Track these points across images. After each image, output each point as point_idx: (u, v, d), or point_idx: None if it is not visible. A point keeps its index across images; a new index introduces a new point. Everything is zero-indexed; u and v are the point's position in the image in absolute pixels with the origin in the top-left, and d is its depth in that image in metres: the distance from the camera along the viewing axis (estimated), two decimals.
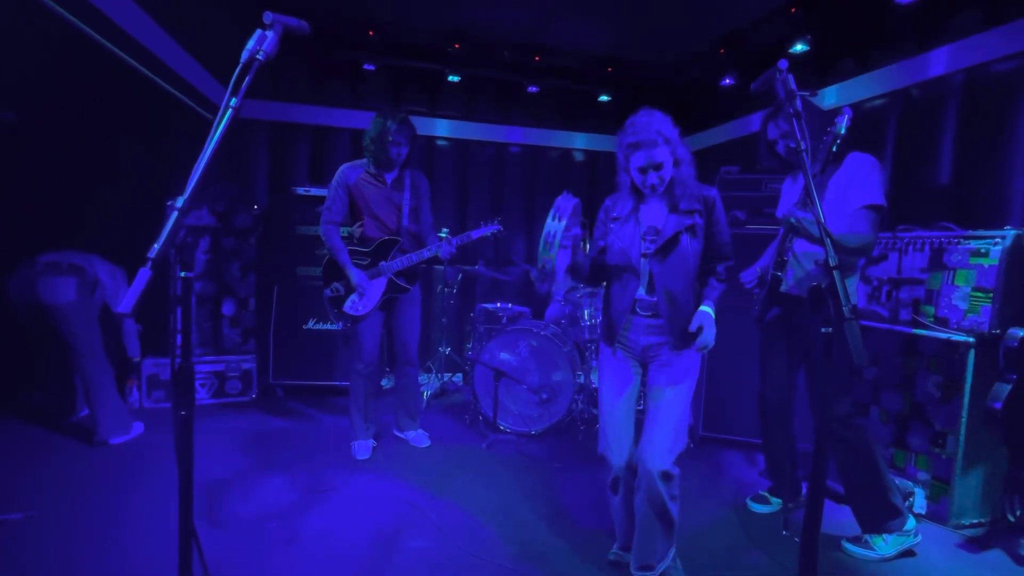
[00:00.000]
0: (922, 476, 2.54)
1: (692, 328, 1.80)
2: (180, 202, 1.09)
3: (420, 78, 5.06)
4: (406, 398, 3.24)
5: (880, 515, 2.16)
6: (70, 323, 2.92)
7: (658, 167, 1.79)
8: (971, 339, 2.34)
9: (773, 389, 2.44)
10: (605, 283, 2.03)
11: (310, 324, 4.10)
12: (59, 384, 3.30)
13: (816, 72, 3.78)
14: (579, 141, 5.62)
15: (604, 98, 5.37)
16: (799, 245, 2.23)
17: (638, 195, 1.90)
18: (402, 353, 3.14)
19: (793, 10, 3.67)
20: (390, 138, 2.83)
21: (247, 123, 4.64)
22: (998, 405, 2.12)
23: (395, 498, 2.54)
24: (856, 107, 3.48)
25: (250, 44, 1.19)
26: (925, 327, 2.54)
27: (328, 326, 4.09)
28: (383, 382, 4.34)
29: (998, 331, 2.28)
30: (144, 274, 1.01)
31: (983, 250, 2.37)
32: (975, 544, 2.30)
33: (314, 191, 4.09)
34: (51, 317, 2.90)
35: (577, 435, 3.43)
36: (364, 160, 2.97)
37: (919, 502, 2.50)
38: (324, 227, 2.93)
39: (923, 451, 2.54)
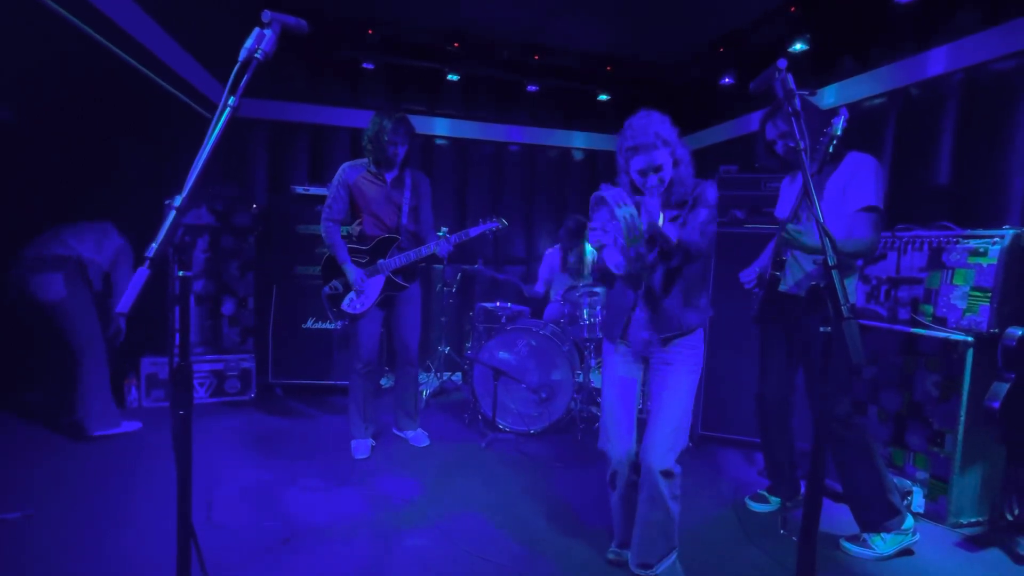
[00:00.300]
0: (920, 475, 2.55)
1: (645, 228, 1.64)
2: (178, 201, 1.09)
3: (419, 77, 5.05)
4: (405, 397, 3.24)
5: (878, 514, 2.16)
6: (65, 319, 2.94)
7: (658, 169, 1.79)
8: (969, 338, 2.35)
9: (772, 388, 2.44)
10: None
11: (309, 323, 4.10)
12: (58, 383, 3.29)
13: (815, 71, 3.78)
14: (578, 140, 5.62)
15: (603, 97, 5.37)
16: None
17: (638, 195, 1.90)
18: (402, 353, 3.15)
19: (792, 9, 3.68)
20: (387, 138, 2.83)
21: (246, 122, 4.64)
22: (996, 404, 2.12)
23: (394, 497, 2.54)
24: (855, 106, 3.48)
25: (248, 43, 1.18)
26: (924, 326, 2.54)
27: (327, 325, 4.09)
28: (383, 381, 4.34)
29: (996, 330, 2.28)
30: (142, 273, 1.01)
31: (982, 249, 2.37)
32: (973, 543, 2.31)
33: (313, 190, 4.08)
34: (46, 313, 2.92)
35: (576, 434, 3.43)
36: (365, 159, 2.98)
37: (917, 501, 2.50)
38: (325, 225, 2.94)
39: (921, 450, 2.54)
